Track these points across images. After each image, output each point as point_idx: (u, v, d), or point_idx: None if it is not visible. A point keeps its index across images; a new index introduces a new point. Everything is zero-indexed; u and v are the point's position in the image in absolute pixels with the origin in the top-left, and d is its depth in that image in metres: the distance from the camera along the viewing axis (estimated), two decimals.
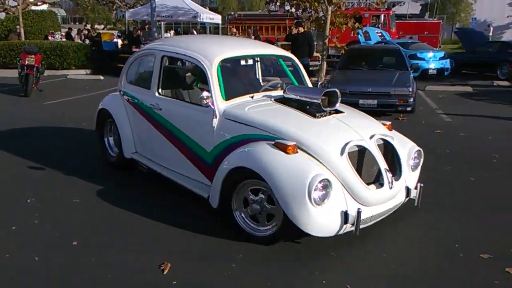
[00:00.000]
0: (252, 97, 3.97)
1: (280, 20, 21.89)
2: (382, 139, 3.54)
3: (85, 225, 3.68)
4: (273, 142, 3.28)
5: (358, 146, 3.35)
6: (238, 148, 3.48)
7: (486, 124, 7.85)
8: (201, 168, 3.95)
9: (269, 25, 22.25)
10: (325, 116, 3.65)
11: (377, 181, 3.42)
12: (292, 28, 13.60)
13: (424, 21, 25.41)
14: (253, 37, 14.58)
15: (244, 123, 3.58)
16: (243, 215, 3.43)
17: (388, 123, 3.93)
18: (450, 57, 15.25)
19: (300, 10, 12.81)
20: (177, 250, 3.26)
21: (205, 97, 3.56)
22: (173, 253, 3.21)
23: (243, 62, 4.40)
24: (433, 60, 14.25)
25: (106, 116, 5.05)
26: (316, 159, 3.23)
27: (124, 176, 4.86)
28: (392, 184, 3.38)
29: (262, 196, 3.31)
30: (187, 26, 31.38)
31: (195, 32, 18.24)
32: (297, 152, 3.20)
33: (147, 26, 18.00)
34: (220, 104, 3.72)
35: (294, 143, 3.21)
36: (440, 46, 22.01)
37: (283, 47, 14.10)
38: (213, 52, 3.99)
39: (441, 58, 14.49)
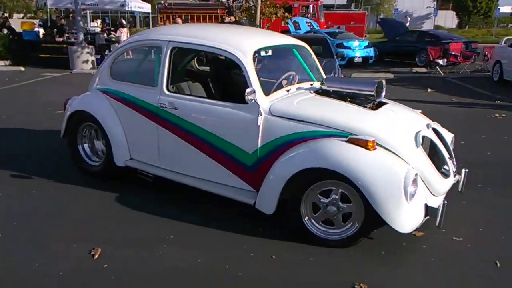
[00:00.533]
0: (288, 90, 3.68)
1: (211, 10, 21.81)
2: (432, 128, 3.54)
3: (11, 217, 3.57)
4: (345, 139, 3.07)
5: (423, 136, 3.31)
6: (294, 148, 3.21)
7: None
8: (237, 172, 3.53)
9: (200, 15, 22.07)
10: (376, 107, 3.53)
11: (439, 170, 3.37)
12: (224, 17, 13.65)
13: (350, 12, 26.49)
14: None
15: (299, 119, 3.27)
16: (313, 220, 3.19)
17: (419, 111, 3.94)
18: (374, 46, 16.12)
19: (231, 0, 12.92)
20: (109, 237, 3.27)
21: (250, 93, 3.21)
22: (106, 239, 3.22)
23: (263, 53, 4.10)
24: (358, 48, 15.01)
25: (83, 119, 4.35)
26: (394, 153, 3.08)
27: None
28: (455, 172, 3.44)
29: (335, 196, 3.09)
30: (115, 15, 30.23)
31: (124, 22, 17.61)
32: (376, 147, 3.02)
33: (71, 15, 17.17)
34: (263, 99, 3.36)
35: (373, 138, 3.01)
36: (365, 36, 23.11)
37: None
38: (246, 42, 3.63)
39: (365, 47, 15.31)
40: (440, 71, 13.16)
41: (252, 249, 3.13)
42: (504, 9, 60.03)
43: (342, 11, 26.09)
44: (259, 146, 3.37)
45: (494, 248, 3.18)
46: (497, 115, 7.66)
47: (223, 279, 2.79)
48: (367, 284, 2.71)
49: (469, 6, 39.08)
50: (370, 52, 15.45)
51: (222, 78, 4.30)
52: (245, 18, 14.10)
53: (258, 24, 12.23)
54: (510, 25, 40.40)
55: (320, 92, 3.77)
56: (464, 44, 14.58)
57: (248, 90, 3.23)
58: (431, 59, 13.21)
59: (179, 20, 13.28)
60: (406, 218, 2.89)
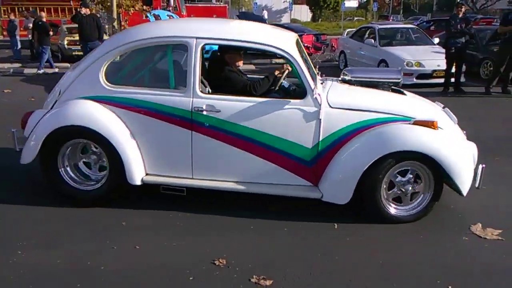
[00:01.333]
0: (321, 83, 3.84)
1: (63, 1, 20.28)
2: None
3: None
4: (408, 122, 3.38)
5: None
6: (359, 137, 3.35)
7: None
8: (294, 169, 3.46)
9: (51, 7, 20.39)
10: (401, 93, 4.01)
11: None
12: (79, 9, 12.83)
13: (212, 5, 26.89)
14: (31, 20, 13.18)
15: (359, 109, 3.40)
16: (388, 201, 3.44)
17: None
18: None
19: None
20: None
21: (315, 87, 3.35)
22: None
23: None
24: None
25: (68, 137, 3.58)
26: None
27: None
28: None
29: (410, 176, 3.39)
30: None
31: None
32: None
33: None
34: (322, 93, 3.44)
35: (435, 119, 3.42)
36: None
37: (71, 30, 13.32)
38: (285, 38, 3.60)
39: None
40: None
41: (115, 241, 3.16)
42: (350, 3, 66.76)
43: (204, 5, 26.34)
44: (320, 140, 3.40)
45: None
46: None
47: (88, 274, 2.78)
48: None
49: (320, 1, 42.68)
50: None
51: (217, 74, 3.80)
52: (102, 11, 13.47)
53: (115, 17, 11.80)
54: (355, 18, 45.10)
55: (347, 82, 4.08)
56: (315, 36, 16.00)
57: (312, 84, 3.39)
58: None
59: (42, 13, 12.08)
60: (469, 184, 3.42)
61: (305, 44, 14.10)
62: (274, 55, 3.30)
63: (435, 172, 3.33)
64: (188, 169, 3.57)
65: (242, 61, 3.99)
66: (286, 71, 3.76)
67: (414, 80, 9.76)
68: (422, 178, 3.41)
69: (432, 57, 9.98)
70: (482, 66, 10.76)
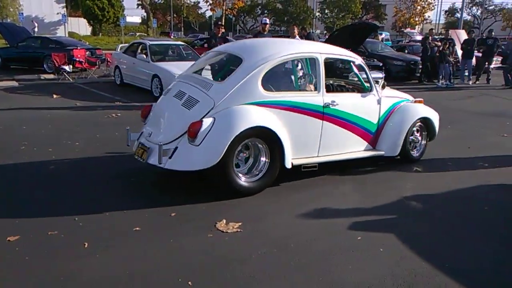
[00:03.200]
0: None
1: None
2: None
3: None
4: (410, 102, 5.86)
5: None
6: (396, 112, 5.51)
7: (23, 114, 8.20)
8: (367, 139, 5.27)
9: None
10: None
11: None
12: None
13: None
14: None
15: (391, 96, 5.62)
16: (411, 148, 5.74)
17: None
18: None
19: None
20: None
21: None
22: None
23: None
24: None
25: (248, 136, 4.26)
26: None
27: None
28: None
29: (416, 130, 5.74)
30: None
31: None
32: None
33: None
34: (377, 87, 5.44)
35: (421, 99, 6.12)
36: None
37: None
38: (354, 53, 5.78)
39: None
40: (69, 77, 13.38)
41: None
42: (132, 18, 66.77)
43: None
44: (380, 116, 5.35)
45: None
46: (113, 114, 8.52)
47: None
48: None
49: (99, 15, 41.14)
50: None
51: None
52: None
53: None
54: (138, 33, 45.09)
55: None
56: (89, 50, 15.32)
57: (380, 83, 5.58)
58: (57, 65, 13.25)
59: None
60: None
61: (78, 59, 13.44)
62: (348, 62, 5.59)
63: (427, 127, 5.83)
64: (316, 149, 4.84)
65: None
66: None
67: None
68: (421, 131, 5.81)
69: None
70: None
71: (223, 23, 16.43)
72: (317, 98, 4.71)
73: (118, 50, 13.62)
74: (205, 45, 17.30)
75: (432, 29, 18.49)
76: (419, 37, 28.86)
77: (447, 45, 14.67)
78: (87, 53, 14.71)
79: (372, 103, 5.27)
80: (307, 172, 4.86)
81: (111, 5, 41.42)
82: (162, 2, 60.63)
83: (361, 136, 5.20)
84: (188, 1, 60.55)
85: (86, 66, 13.92)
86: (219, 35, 10.05)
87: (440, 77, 14.65)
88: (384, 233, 3.72)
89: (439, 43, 15.02)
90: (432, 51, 15.08)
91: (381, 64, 14.23)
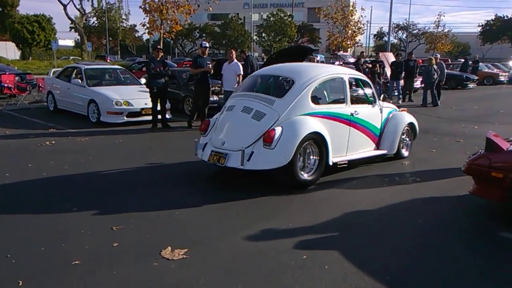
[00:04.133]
0: None
1: None
2: None
3: None
4: (398, 110, 7.45)
5: None
6: (391, 119, 7.05)
7: None
8: (374, 141, 6.73)
9: None
10: None
11: None
12: None
13: None
14: None
15: (387, 106, 7.17)
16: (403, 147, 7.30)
17: None
18: None
19: None
20: None
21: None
22: None
23: None
24: None
25: (306, 140, 5.39)
26: None
27: None
28: None
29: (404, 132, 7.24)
30: None
31: None
32: None
33: None
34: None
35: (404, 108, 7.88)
36: None
37: None
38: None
39: None
40: None
41: None
42: (64, 42, 64.37)
43: None
44: (382, 122, 6.78)
45: None
46: (47, 142, 8.11)
47: None
48: None
49: (28, 38, 39.40)
50: None
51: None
52: None
53: None
54: (71, 57, 43.56)
55: None
56: (19, 76, 14.59)
57: (382, 97, 7.29)
58: None
59: None
60: None
61: (6, 85, 12.73)
62: (361, 80, 6.87)
63: (412, 130, 7.40)
64: (345, 150, 6.10)
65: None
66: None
67: (125, 118, 10.09)
68: (407, 133, 7.28)
69: (139, 96, 10.54)
70: (185, 103, 12.08)
71: (161, 47, 16.34)
72: (346, 109, 6.08)
73: (51, 74, 13.06)
74: (143, 69, 17.10)
75: (363, 52, 19.53)
76: (351, 60, 30.36)
77: (376, 67, 15.54)
78: (17, 78, 13.99)
79: (377, 112, 6.76)
80: (253, 192, 4.88)
81: (41, 28, 39.89)
82: (96, 25, 59.20)
83: (371, 139, 6.67)
84: (124, 25, 59.62)
85: (16, 92, 13.21)
86: (158, 58, 9.97)
87: None
88: (328, 250, 3.81)
89: (370, 65, 15.89)
90: (364, 73, 15.91)
91: None
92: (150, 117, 10.09)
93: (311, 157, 5.60)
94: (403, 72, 16.70)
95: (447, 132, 9.94)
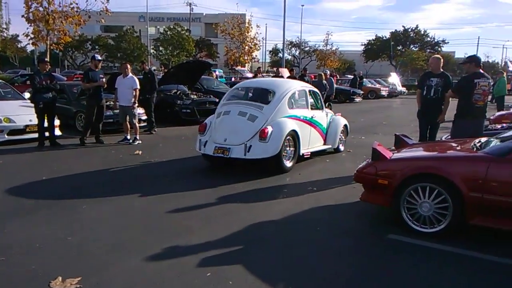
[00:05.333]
0: None
1: None
2: None
3: None
4: (336, 115, 9.44)
5: None
6: (332, 121, 8.93)
7: None
8: (323, 138, 8.63)
9: None
10: None
11: None
12: None
13: None
14: None
15: (329, 112, 9.24)
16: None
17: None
18: None
19: None
20: None
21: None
22: None
23: None
24: None
25: (287, 136, 7.24)
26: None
27: None
28: None
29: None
30: None
31: None
32: None
33: None
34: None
35: (338, 113, 10.07)
36: None
37: None
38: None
39: None
40: None
41: None
42: None
43: None
44: (327, 124, 8.74)
45: None
46: None
47: None
48: None
49: None
50: None
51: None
52: None
53: None
54: None
55: None
56: None
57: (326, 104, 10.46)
58: None
59: None
60: None
61: None
62: (314, 92, 8.71)
63: (346, 129, 9.48)
64: (307, 144, 7.93)
65: None
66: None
67: (6, 137, 9.17)
68: (343, 132, 9.27)
69: (23, 112, 9.67)
70: (77, 119, 11.33)
71: (48, 59, 15.18)
72: (308, 113, 8.04)
73: None
74: (28, 82, 15.75)
75: (259, 67, 20.19)
76: (249, 75, 31.17)
77: None
78: None
79: (325, 116, 8.72)
80: (151, 212, 4.67)
81: None
82: None
83: (322, 136, 8.58)
84: (5, 34, 54.39)
85: None
86: (45, 72, 9.23)
87: None
88: (231, 266, 3.78)
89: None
90: None
91: (217, 100, 14.80)
92: (36, 135, 9.26)
93: (288, 148, 7.38)
94: None
95: None
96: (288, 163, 7.33)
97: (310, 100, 8.30)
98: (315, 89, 8.76)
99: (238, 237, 4.48)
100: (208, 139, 7.31)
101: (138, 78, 10.16)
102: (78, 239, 4.28)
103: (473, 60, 6.58)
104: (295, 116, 7.58)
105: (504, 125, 8.23)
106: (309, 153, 7.97)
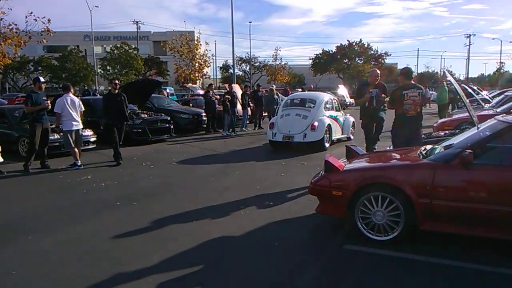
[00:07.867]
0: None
1: None
2: None
3: None
4: (348, 115, 14.26)
5: None
6: (346, 119, 13.45)
7: None
8: (342, 130, 12.98)
9: None
10: None
11: None
12: None
13: None
14: None
15: (343, 113, 13.98)
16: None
17: None
18: None
19: None
20: None
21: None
22: None
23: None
24: None
25: (326, 127, 11.94)
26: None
27: None
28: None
29: None
30: None
31: None
32: None
33: None
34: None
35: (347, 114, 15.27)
36: None
37: None
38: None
39: None
40: None
41: None
42: None
43: None
44: (343, 120, 13.31)
45: None
46: None
47: None
48: None
49: None
50: None
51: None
52: None
53: None
54: None
55: None
56: None
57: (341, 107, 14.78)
58: None
59: None
60: None
61: None
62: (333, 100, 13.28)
63: (353, 125, 13.81)
64: (334, 133, 12.34)
65: None
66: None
67: None
68: (352, 126, 13.76)
69: None
70: (20, 144, 10.75)
71: None
72: (334, 113, 12.45)
73: None
74: None
75: (211, 84, 20.12)
76: (201, 91, 31.03)
77: (229, 98, 16.03)
78: None
79: (342, 115, 13.07)
80: (102, 234, 4.45)
81: None
82: None
83: (341, 129, 12.84)
84: None
85: None
86: None
87: (226, 127, 15.88)
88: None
89: (224, 96, 16.34)
90: (213, 104, 16.36)
91: (169, 118, 14.58)
92: None
93: (326, 136, 11.59)
94: (251, 103, 17.70)
95: (293, 155, 10.72)
96: (327, 144, 11.62)
97: (335, 105, 12.92)
98: (336, 98, 13.90)
99: (193, 258, 4.36)
100: (276, 132, 11.62)
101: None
102: (21, 275, 4.00)
103: (403, 73, 7.12)
104: (329, 115, 12.11)
105: (447, 131, 8.64)
106: (336, 140, 12.42)
